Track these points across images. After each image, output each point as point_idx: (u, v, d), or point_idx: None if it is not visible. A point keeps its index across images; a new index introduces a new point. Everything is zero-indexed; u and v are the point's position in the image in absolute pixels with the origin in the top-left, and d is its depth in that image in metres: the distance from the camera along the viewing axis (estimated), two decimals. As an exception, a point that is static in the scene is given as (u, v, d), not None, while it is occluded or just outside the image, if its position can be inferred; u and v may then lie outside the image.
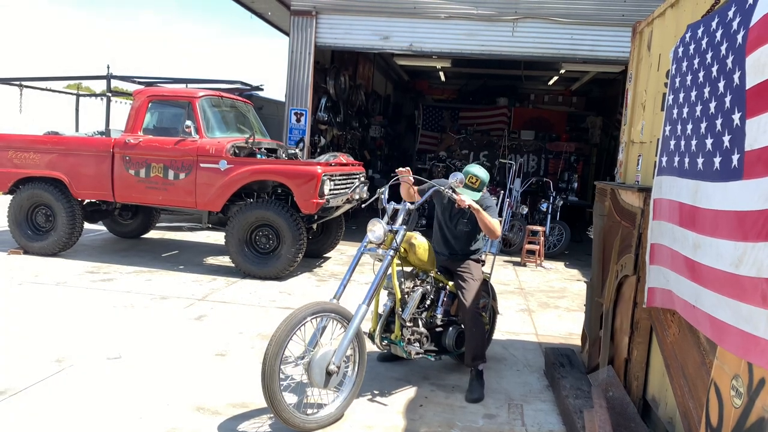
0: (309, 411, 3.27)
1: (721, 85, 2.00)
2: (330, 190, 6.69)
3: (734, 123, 1.87)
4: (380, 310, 3.78)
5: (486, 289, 4.30)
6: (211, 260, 7.68)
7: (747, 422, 1.93)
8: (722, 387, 2.13)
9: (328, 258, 8.28)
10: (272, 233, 6.69)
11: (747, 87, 1.78)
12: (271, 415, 3.35)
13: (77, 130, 9.18)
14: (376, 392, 3.82)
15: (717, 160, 1.98)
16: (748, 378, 1.96)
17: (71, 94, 10.66)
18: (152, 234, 9.37)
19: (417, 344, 3.78)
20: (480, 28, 9.41)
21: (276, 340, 3.04)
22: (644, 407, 3.37)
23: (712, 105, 2.07)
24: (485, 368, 4.05)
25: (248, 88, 8.70)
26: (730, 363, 2.10)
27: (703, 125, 2.15)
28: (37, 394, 3.48)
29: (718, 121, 2.00)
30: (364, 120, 14.32)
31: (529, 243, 8.97)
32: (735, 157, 1.85)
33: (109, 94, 8.04)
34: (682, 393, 2.75)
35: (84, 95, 10.94)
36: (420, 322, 3.84)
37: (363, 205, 4.53)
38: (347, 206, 7.51)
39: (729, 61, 1.93)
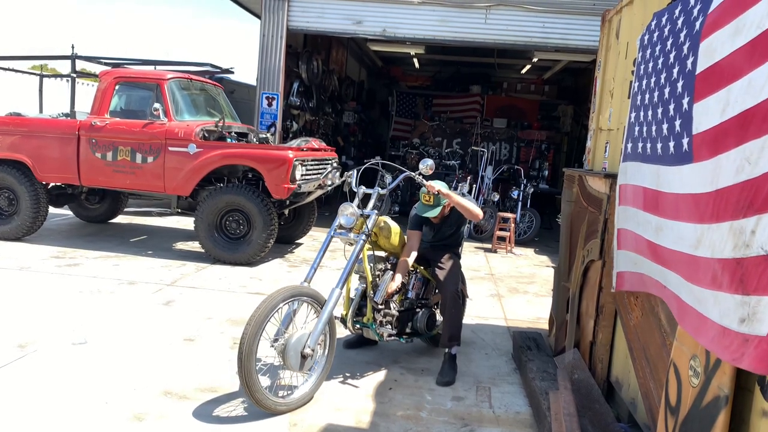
0: (281, 393, 3.31)
1: (675, 70, 2.04)
2: (302, 175, 6.64)
3: (683, 107, 1.91)
4: (352, 294, 3.81)
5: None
6: (181, 245, 7.58)
7: (704, 401, 1.99)
8: (681, 367, 2.18)
9: (300, 244, 8.24)
10: (243, 218, 6.63)
11: (697, 72, 1.81)
12: (241, 399, 3.35)
13: (41, 111, 8.91)
14: (346, 375, 3.83)
15: (671, 144, 2.03)
16: (705, 358, 2.02)
17: (35, 74, 10.34)
18: (120, 219, 9.19)
19: (389, 327, 3.82)
20: (453, 15, 9.40)
21: (254, 324, 3.06)
22: (608, 389, 3.45)
23: (667, 90, 2.11)
24: (458, 352, 4.11)
25: (218, 70, 8.56)
26: (689, 343, 2.16)
27: (660, 110, 2.19)
28: (-1, 380, 3.40)
29: (671, 106, 2.04)
30: (337, 106, 14.21)
31: (500, 230, 9.07)
32: (685, 141, 1.89)
33: (74, 75, 7.81)
34: (643, 374, 2.82)
35: (48, 76, 10.60)
36: (391, 305, 3.87)
37: (340, 183, 4.49)
38: (319, 192, 7.47)
39: (686, 47, 1.97)
